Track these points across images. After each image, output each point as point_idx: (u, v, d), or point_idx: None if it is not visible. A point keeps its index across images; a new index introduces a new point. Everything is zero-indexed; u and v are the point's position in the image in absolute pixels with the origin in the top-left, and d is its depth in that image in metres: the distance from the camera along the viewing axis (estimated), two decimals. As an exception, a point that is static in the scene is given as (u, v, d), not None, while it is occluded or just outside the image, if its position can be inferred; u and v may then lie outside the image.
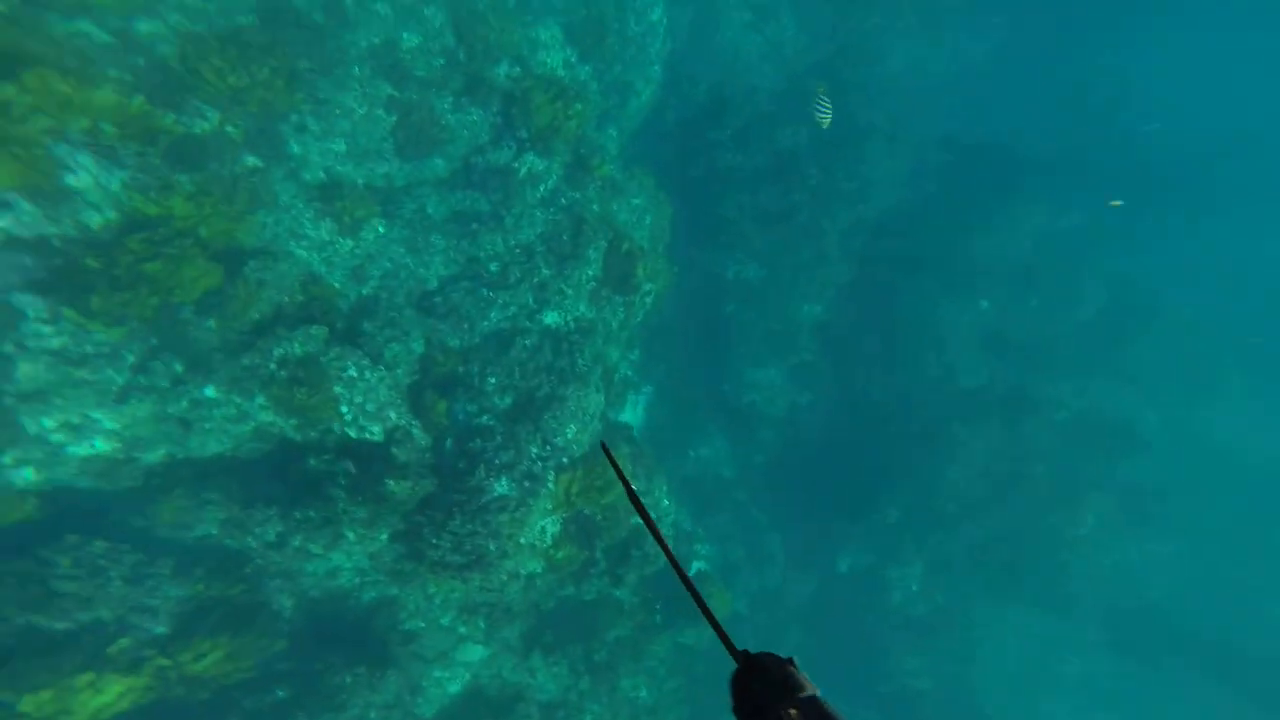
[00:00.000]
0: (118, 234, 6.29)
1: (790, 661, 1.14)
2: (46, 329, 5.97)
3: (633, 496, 1.34)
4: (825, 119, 7.01)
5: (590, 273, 8.53)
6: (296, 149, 7.83)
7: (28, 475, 6.04)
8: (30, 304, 5.90)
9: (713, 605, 1.49)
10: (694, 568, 11.45)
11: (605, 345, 8.30)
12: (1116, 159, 17.73)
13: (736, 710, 1.10)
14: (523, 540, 7.82)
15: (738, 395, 13.15)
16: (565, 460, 8.11)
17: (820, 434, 13.42)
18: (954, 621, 13.50)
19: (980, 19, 17.64)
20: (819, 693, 1.06)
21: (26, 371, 5.90)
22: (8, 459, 5.93)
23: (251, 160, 7.31)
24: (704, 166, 12.60)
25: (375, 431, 7.45)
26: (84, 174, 6.10)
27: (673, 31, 12.49)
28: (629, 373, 10.89)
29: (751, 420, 13.18)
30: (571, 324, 8.29)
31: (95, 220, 6.21)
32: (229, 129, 7.11)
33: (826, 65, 14.11)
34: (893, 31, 15.08)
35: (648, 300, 8.69)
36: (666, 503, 10.25)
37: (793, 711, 1.01)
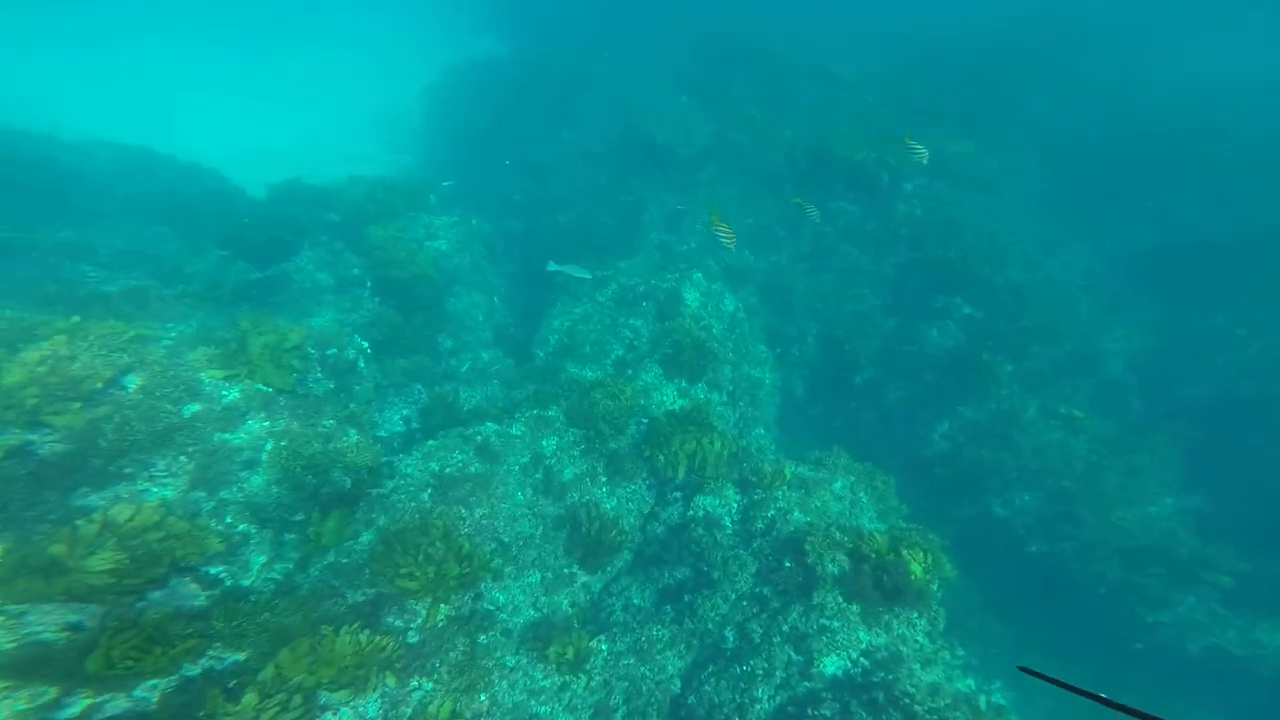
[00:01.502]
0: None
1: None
2: None
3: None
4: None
5: (840, 594, 7.21)
6: (501, 596, 7.40)
7: None
8: None
9: None
10: None
11: (925, 671, 6.48)
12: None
13: None
14: None
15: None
16: None
17: None
18: None
19: None
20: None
21: None
22: None
23: (463, 642, 6.76)
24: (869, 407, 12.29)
25: None
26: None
27: (754, 310, 13.39)
28: (999, 699, 8.29)
29: None
30: (864, 663, 6.63)
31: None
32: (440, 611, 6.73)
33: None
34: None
35: (937, 593, 7.11)
36: None
37: None
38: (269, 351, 8.41)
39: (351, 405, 9.25)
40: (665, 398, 10.77)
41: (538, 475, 8.95)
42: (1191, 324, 13.59)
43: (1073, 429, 11.59)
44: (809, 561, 7.35)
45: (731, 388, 11.30)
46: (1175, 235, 15.18)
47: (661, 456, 8.96)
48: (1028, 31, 22.70)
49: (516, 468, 8.90)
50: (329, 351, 9.61)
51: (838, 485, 8.77)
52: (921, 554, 6.99)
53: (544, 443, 9.31)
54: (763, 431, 11.05)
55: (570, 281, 13.50)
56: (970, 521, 10.79)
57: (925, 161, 8.03)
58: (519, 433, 9.44)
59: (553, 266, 10.88)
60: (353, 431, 8.70)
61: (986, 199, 15.15)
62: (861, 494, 9.05)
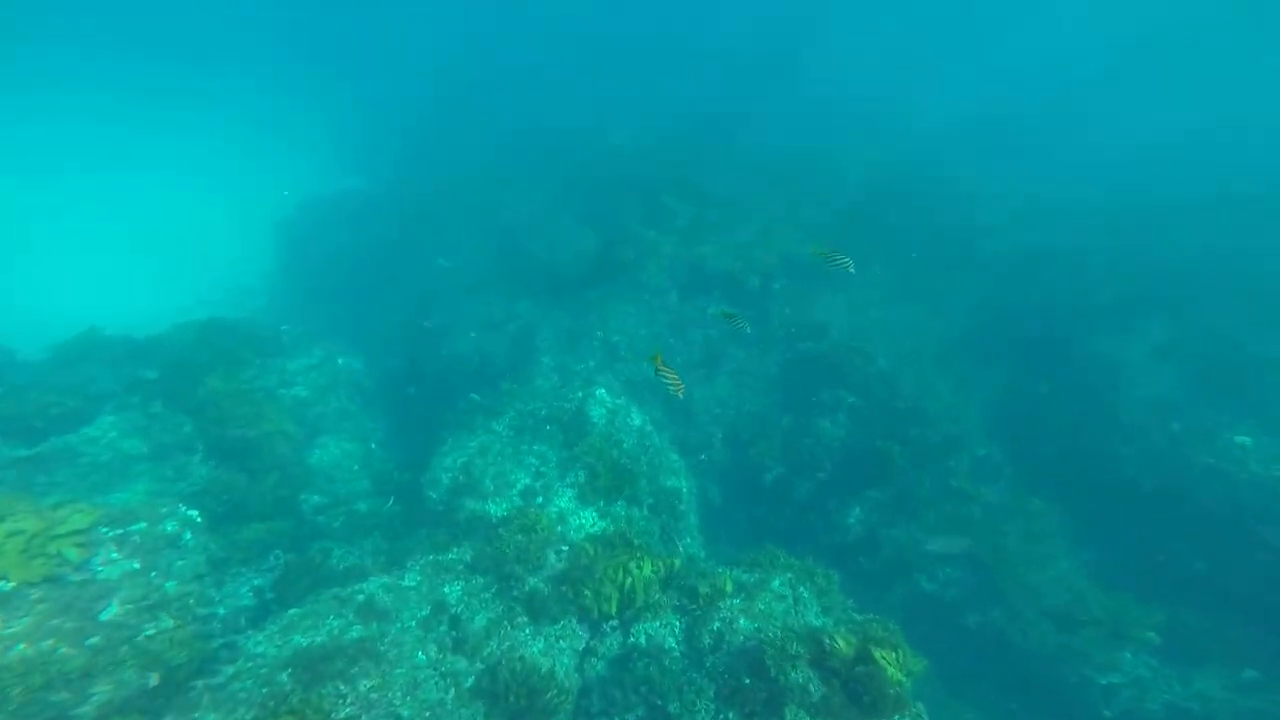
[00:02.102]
0: None
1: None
2: None
3: None
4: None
5: (809, 715, 6.40)
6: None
7: None
8: None
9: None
10: None
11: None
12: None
13: None
14: None
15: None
16: None
17: None
18: None
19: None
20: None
21: None
22: None
23: None
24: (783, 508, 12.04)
25: None
26: None
27: (660, 423, 13.14)
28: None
29: None
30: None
31: None
32: None
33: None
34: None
35: (911, 692, 6.44)
36: None
37: None
38: (22, 540, 6.75)
39: (168, 584, 7.46)
40: (584, 520, 9.93)
41: (442, 628, 7.52)
42: (1025, 390, 15.60)
43: (965, 500, 12.27)
44: (771, 674, 6.58)
45: (652, 500, 10.74)
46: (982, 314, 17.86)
47: (588, 592, 7.95)
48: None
49: (414, 623, 7.46)
50: (134, 528, 7.85)
51: (775, 583, 8.25)
52: (894, 653, 6.49)
53: (446, 590, 7.98)
54: (689, 541, 10.41)
55: (463, 415, 12.71)
56: (906, 602, 10.61)
57: (851, 269, 7.79)
58: (413, 583, 8.06)
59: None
60: (164, 617, 6.91)
61: (842, 295, 17.03)
62: (802, 589, 8.56)
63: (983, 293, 18.63)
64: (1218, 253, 18.24)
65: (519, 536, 8.74)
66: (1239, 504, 11.10)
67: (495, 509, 10.22)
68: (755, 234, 18.01)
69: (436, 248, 20.93)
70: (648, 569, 8.26)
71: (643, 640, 7.50)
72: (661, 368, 7.40)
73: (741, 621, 7.59)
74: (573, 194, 23.45)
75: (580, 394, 13.11)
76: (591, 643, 7.82)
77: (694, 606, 7.91)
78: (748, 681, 6.71)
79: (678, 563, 8.84)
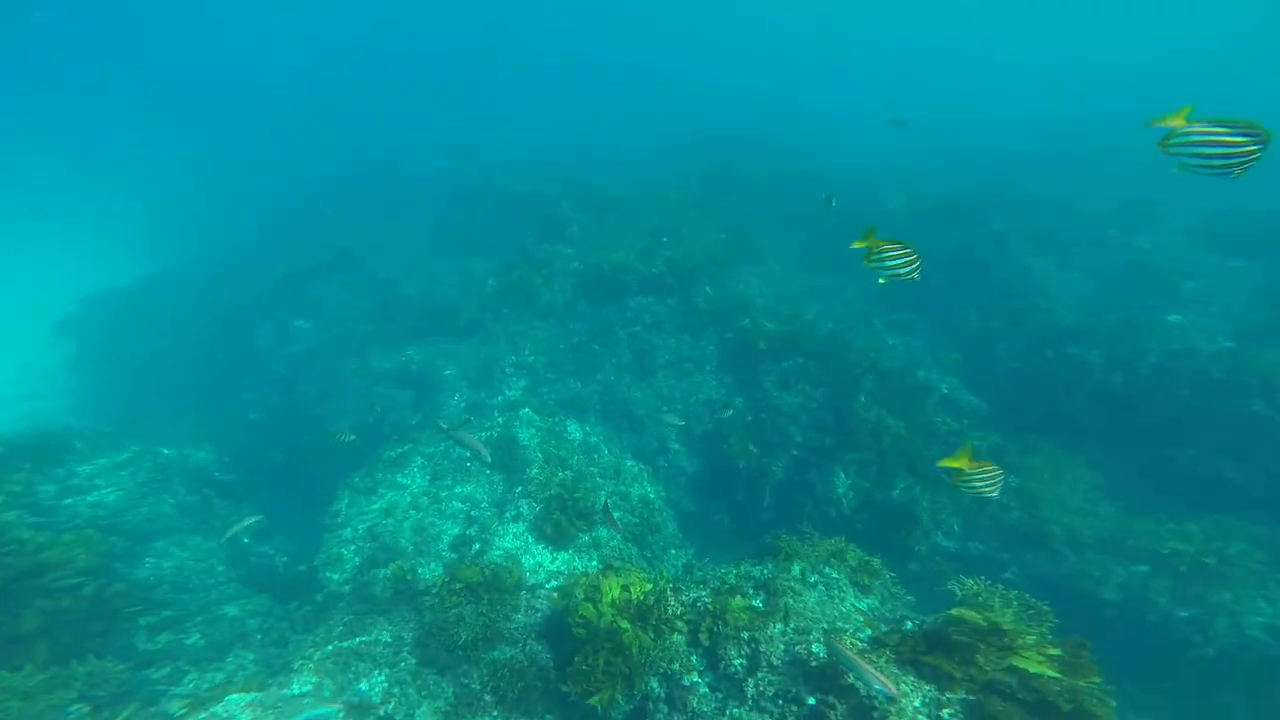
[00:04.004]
0: None
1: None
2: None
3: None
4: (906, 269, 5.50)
5: None
6: None
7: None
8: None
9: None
10: None
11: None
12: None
13: None
14: None
15: None
16: None
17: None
18: None
19: None
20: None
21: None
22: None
23: None
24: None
25: None
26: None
27: (608, 436, 11.18)
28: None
29: None
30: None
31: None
32: None
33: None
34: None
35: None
36: None
37: None
38: None
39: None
40: (542, 559, 7.73)
41: None
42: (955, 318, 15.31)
43: (959, 443, 11.24)
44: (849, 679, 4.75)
45: (619, 515, 8.70)
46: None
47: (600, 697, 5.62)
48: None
49: None
50: None
51: (796, 570, 6.52)
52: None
53: (361, 686, 5.51)
54: (674, 553, 8.45)
55: (347, 476, 10.18)
56: (930, 569, 9.19)
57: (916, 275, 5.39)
58: (305, 688, 5.53)
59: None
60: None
61: (759, 266, 16.15)
62: (827, 570, 6.87)
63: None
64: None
65: (469, 608, 6.39)
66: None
67: (427, 572, 7.79)
68: (648, 230, 16.93)
69: (296, 309, 18.03)
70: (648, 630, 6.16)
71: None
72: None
73: (774, 627, 5.75)
74: (450, 227, 21.48)
75: (501, 419, 10.97)
76: None
77: (724, 638, 5.95)
78: (813, 701, 4.84)
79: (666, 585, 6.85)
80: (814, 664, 5.07)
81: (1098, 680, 4.01)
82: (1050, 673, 4.05)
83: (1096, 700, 3.88)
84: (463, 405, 13.26)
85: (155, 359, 19.06)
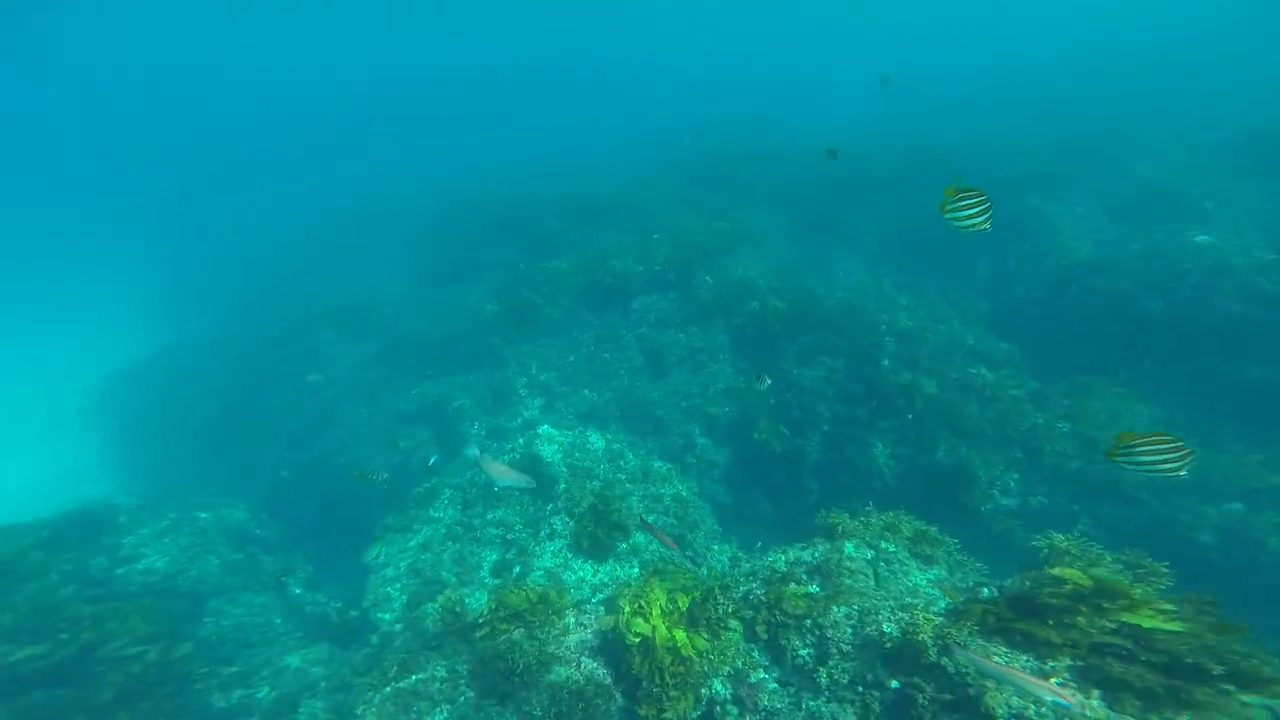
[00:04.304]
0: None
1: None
2: None
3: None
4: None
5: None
6: None
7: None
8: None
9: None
10: None
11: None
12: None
13: None
14: None
15: None
16: None
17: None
18: None
19: None
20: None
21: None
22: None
23: None
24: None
25: None
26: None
27: (632, 443, 10.87)
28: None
29: None
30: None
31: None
32: None
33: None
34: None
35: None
36: None
37: None
38: None
39: None
40: (583, 573, 7.50)
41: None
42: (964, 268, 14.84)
43: (997, 395, 10.78)
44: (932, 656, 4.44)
45: (654, 519, 8.45)
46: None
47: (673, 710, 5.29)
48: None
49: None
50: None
51: (850, 548, 6.21)
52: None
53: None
54: (717, 549, 8.16)
55: (381, 518, 10.05)
56: (993, 533, 8.80)
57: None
58: None
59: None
60: None
61: (758, 249, 15.84)
62: (883, 544, 6.55)
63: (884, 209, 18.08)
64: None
65: (523, 640, 6.12)
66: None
67: (475, 602, 7.59)
68: (638, 229, 16.68)
69: (305, 365, 18.01)
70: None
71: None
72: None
73: (837, 611, 5.45)
74: (437, 257, 21.39)
75: (521, 439, 10.78)
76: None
77: (764, 617, 5.68)
78: (896, 685, 4.53)
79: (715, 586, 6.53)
80: (888, 645, 4.77)
81: (1240, 635, 3.64)
82: (1174, 627, 3.69)
83: (1255, 660, 3.49)
84: (483, 433, 13.08)
85: (172, 435, 19.16)
